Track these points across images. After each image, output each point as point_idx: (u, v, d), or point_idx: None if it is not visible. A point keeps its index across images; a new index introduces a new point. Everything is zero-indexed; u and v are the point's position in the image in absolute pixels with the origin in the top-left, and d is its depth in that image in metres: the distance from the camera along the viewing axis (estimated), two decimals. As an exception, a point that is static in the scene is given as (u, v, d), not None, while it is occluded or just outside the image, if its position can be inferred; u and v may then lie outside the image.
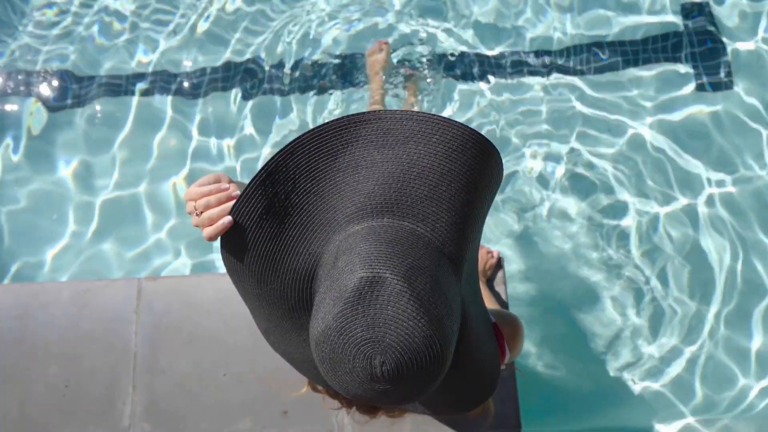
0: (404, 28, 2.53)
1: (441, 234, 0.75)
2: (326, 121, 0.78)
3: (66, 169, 2.39)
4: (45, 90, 2.51)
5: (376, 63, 2.42)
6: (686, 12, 2.51)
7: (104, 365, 1.69)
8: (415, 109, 2.36)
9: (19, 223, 2.33)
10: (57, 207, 2.34)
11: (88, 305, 1.75)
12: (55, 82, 2.52)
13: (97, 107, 2.47)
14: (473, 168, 0.76)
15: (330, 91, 2.47)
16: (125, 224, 2.32)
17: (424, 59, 2.48)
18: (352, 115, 0.77)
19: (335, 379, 0.69)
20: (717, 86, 2.42)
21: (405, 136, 0.76)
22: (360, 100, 2.45)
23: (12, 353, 1.71)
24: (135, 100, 2.48)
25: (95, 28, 2.58)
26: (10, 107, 2.50)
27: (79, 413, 1.66)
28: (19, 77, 2.53)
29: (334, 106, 2.45)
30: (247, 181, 0.79)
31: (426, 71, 2.47)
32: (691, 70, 2.43)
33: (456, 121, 0.76)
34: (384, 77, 2.41)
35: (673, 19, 2.51)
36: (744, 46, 2.46)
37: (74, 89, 2.50)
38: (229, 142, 2.41)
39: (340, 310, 0.67)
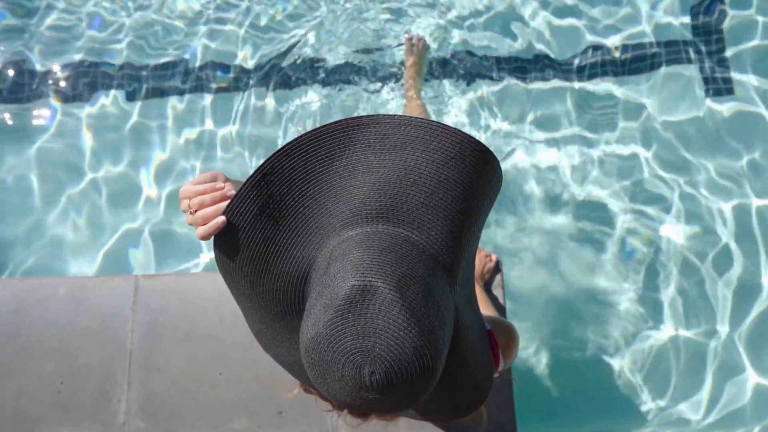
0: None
1: (436, 242, 0.74)
2: (325, 123, 0.78)
3: (66, 167, 2.39)
4: (48, 87, 2.51)
5: (410, 64, 2.38)
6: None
7: (100, 362, 1.69)
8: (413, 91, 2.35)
9: (17, 218, 2.33)
10: (56, 203, 2.34)
11: (84, 302, 1.75)
12: (55, 79, 2.51)
13: (98, 104, 2.47)
14: (471, 176, 0.76)
15: (333, 90, 2.47)
16: (123, 222, 2.31)
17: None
18: (350, 118, 0.77)
19: (324, 385, 0.69)
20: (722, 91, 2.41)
21: (403, 142, 0.75)
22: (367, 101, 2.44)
23: (8, 348, 1.71)
24: (137, 97, 2.48)
25: (96, 22, 2.59)
26: (16, 105, 2.50)
27: (74, 409, 1.66)
28: (26, 74, 2.53)
29: (337, 106, 2.45)
30: (243, 180, 0.78)
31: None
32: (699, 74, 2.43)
33: (455, 129, 0.75)
34: (420, 69, 2.36)
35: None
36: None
37: (74, 86, 2.50)
38: (229, 141, 2.41)
39: (331, 317, 0.66)
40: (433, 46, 2.46)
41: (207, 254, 2.24)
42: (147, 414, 1.65)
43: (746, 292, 2.17)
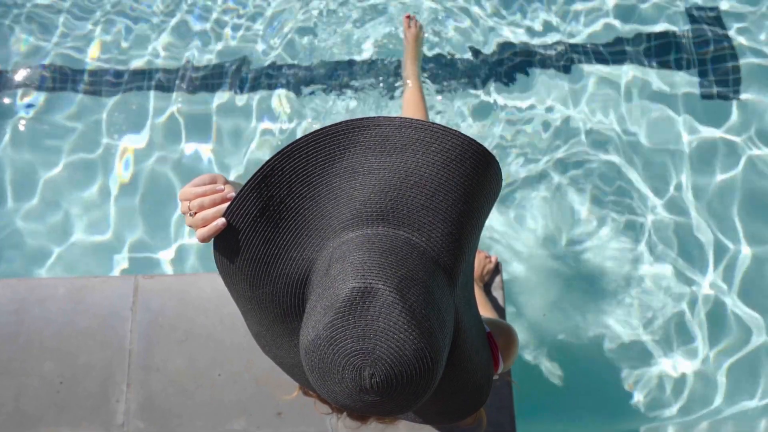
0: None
1: (436, 244, 0.74)
2: (325, 125, 0.78)
3: (63, 166, 2.39)
4: (37, 83, 2.50)
5: (410, 40, 2.40)
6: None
7: (99, 362, 1.69)
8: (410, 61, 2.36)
9: (17, 218, 2.33)
10: (55, 203, 2.34)
11: (84, 301, 1.75)
12: (44, 77, 2.51)
13: (96, 103, 2.47)
14: (471, 178, 0.75)
15: (332, 92, 2.47)
16: (123, 222, 2.31)
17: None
18: (351, 120, 0.76)
19: (324, 388, 0.69)
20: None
21: (403, 144, 0.75)
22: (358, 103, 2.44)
23: (8, 347, 1.71)
24: (135, 97, 2.47)
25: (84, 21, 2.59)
26: (4, 102, 2.50)
27: (73, 409, 1.66)
28: (9, 72, 2.53)
29: (338, 106, 2.44)
30: (243, 182, 0.78)
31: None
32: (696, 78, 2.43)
33: (455, 131, 0.75)
34: (418, 50, 2.39)
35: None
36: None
37: (68, 84, 2.50)
38: (228, 142, 2.40)
39: (331, 320, 0.66)
40: (428, 35, 2.47)
41: (207, 254, 2.24)
42: (146, 414, 1.65)
43: (753, 295, 2.16)
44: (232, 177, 2.31)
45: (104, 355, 1.70)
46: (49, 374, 1.69)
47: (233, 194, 0.78)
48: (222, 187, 0.79)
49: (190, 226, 0.79)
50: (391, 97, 2.43)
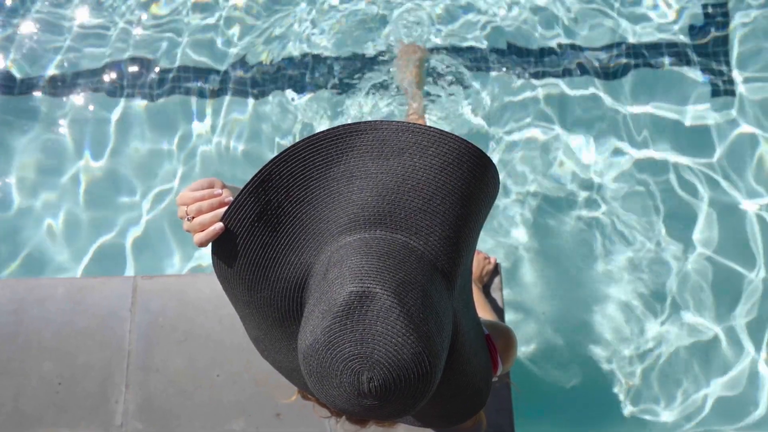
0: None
1: (434, 248, 0.74)
2: (322, 129, 0.78)
3: (62, 167, 2.39)
4: (33, 83, 2.50)
5: (409, 61, 2.39)
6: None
7: (98, 362, 1.69)
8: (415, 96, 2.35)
9: (15, 218, 2.32)
10: (54, 203, 2.34)
11: (83, 302, 1.75)
12: (40, 75, 2.50)
13: (93, 103, 2.47)
14: (469, 182, 0.76)
15: (327, 94, 2.46)
16: (121, 223, 2.31)
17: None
18: (348, 124, 0.76)
19: (322, 392, 0.69)
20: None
21: (401, 148, 0.75)
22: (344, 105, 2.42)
23: (7, 347, 1.71)
24: (137, 99, 2.47)
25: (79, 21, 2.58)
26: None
27: (72, 409, 1.66)
28: (12, 68, 2.53)
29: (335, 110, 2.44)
30: (241, 186, 0.78)
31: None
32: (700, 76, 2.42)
33: (453, 134, 0.75)
34: (418, 76, 2.37)
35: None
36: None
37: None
38: (227, 145, 2.39)
39: (329, 324, 0.66)
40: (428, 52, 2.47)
41: (206, 255, 2.24)
42: (144, 415, 1.65)
43: (755, 296, 2.16)
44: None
45: (103, 356, 1.70)
46: (48, 374, 1.69)
47: (231, 199, 0.78)
48: (220, 191, 0.79)
49: (187, 230, 0.79)
50: (394, 110, 2.42)
